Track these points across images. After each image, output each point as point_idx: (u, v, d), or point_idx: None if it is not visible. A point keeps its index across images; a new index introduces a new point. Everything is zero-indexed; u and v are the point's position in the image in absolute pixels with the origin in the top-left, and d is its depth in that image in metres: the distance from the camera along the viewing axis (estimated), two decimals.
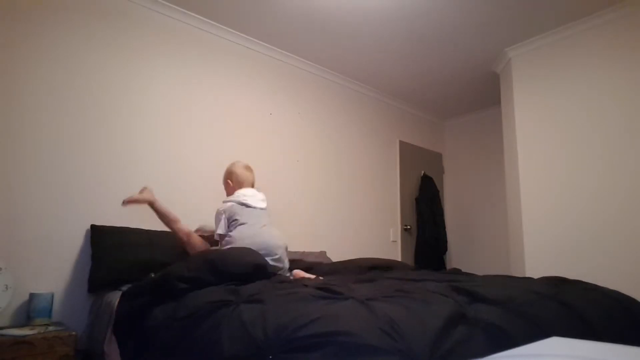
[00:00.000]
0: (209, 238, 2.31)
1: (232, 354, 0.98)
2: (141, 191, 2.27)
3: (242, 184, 2.33)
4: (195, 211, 2.90)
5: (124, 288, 2.05)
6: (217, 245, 2.21)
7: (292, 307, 1.03)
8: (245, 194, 2.23)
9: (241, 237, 2.03)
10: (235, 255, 1.69)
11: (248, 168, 2.40)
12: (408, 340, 0.82)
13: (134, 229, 2.50)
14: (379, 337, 0.83)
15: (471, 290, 1.16)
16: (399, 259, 4.29)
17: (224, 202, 2.24)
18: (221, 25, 3.19)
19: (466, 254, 4.78)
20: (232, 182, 2.35)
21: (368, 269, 2.26)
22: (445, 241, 4.61)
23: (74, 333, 1.91)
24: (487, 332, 0.93)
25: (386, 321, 0.88)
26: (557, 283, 1.49)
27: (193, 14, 3.04)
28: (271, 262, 1.99)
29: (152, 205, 2.24)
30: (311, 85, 3.85)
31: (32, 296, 2.09)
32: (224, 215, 2.15)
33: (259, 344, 0.94)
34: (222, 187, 2.44)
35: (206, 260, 1.56)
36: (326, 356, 0.82)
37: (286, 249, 2.15)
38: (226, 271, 1.51)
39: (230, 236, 2.08)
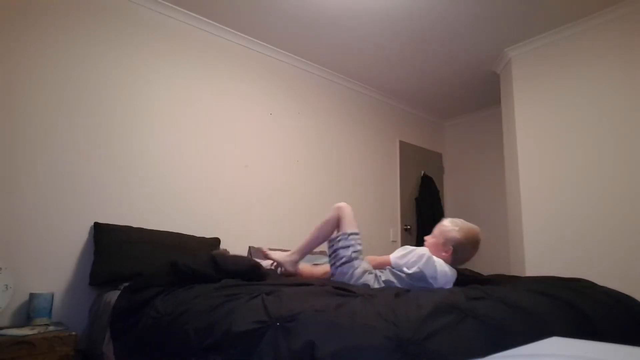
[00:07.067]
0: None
1: (240, 330, 1.05)
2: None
3: (462, 261, 1.87)
4: (194, 210, 2.90)
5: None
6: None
7: (296, 298, 1.14)
8: (445, 282, 1.75)
9: None
10: (233, 256, 1.89)
11: (476, 245, 1.87)
12: (398, 321, 0.94)
13: (136, 228, 2.51)
14: (376, 319, 0.96)
15: (467, 288, 1.17)
16: None
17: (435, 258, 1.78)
18: (221, 25, 3.19)
19: None
20: (451, 250, 1.83)
21: None
22: None
23: (74, 333, 1.91)
24: (481, 323, 0.97)
25: (385, 308, 1.01)
26: (558, 282, 1.49)
27: (193, 13, 3.04)
28: None
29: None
30: (311, 85, 3.85)
31: (32, 296, 2.09)
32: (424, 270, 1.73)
33: (265, 319, 1.04)
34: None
35: (209, 257, 1.73)
36: (326, 327, 0.95)
37: None
38: (225, 269, 1.65)
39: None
